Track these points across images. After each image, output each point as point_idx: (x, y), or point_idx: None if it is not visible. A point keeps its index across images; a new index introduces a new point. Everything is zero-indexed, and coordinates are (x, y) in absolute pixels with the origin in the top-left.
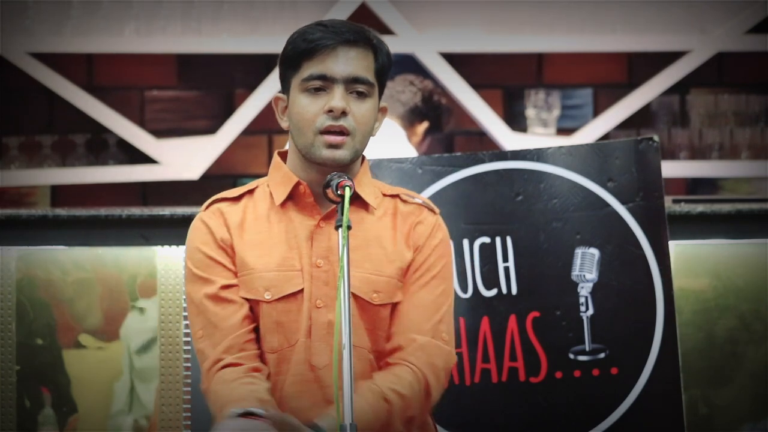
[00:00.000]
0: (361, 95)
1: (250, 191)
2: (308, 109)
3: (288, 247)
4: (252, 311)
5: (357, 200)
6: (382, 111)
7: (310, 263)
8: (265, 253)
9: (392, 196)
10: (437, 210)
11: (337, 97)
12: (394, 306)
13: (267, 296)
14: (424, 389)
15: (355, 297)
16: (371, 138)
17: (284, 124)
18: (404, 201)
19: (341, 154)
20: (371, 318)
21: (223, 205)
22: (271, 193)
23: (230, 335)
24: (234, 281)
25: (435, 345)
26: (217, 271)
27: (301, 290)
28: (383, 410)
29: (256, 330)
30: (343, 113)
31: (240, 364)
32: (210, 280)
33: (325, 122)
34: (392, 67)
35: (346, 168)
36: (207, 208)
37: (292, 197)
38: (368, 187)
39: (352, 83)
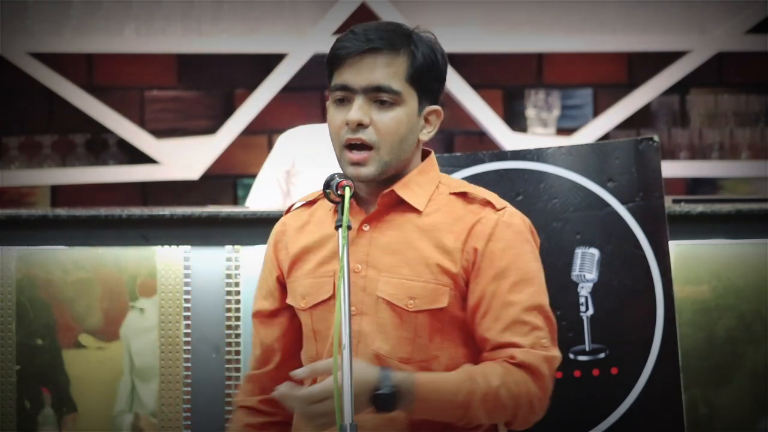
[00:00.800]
0: (385, 104)
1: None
2: (333, 122)
3: (329, 251)
4: (294, 324)
5: (403, 202)
6: (435, 114)
7: (347, 275)
8: (308, 258)
9: (459, 194)
10: (500, 205)
11: (354, 109)
12: (435, 312)
13: (302, 304)
14: (525, 396)
15: (390, 305)
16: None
17: None
18: (469, 200)
19: (365, 171)
20: (410, 326)
21: (291, 215)
22: None
23: (254, 370)
24: (272, 307)
25: (527, 354)
26: (261, 293)
27: (331, 297)
28: (465, 388)
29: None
30: (361, 125)
31: (262, 412)
32: (256, 297)
33: (345, 135)
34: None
35: (384, 176)
36: (286, 213)
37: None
38: (421, 187)
39: (373, 92)
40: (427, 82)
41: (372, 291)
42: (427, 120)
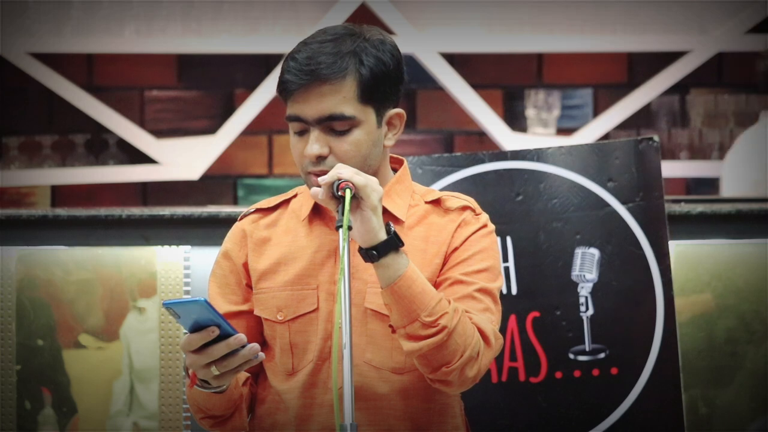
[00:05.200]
0: (340, 132)
1: (287, 201)
2: (295, 150)
3: (308, 263)
4: (266, 330)
5: (386, 213)
6: (398, 116)
7: (330, 280)
8: (282, 270)
9: (433, 202)
10: (478, 210)
11: (310, 142)
12: None
13: (279, 317)
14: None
15: (379, 316)
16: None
17: None
18: (446, 210)
19: None
20: None
21: (247, 222)
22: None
23: None
24: (247, 308)
25: (480, 318)
26: (231, 298)
27: (315, 310)
28: (441, 295)
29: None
30: (320, 157)
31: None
32: (218, 304)
33: (308, 167)
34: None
35: None
36: (240, 219)
37: (319, 210)
38: (400, 197)
39: (327, 122)
40: (381, 92)
41: (359, 302)
42: (390, 124)
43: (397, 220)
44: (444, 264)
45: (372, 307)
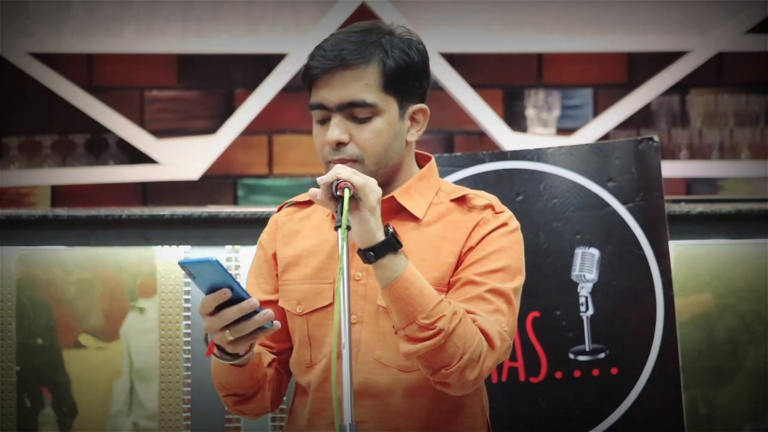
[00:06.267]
0: (362, 119)
1: None
2: (317, 140)
3: (327, 257)
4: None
5: (403, 210)
6: (422, 112)
7: (347, 275)
8: (303, 262)
9: (458, 199)
10: (499, 208)
11: (331, 128)
12: None
13: (298, 309)
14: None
15: (388, 312)
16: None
17: None
18: (470, 207)
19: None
20: None
21: (282, 214)
22: None
23: None
24: (265, 297)
25: (485, 320)
26: (264, 288)
27: (330, 304)
28: (440, 296)
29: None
30: (340, 144)
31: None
32: (252, 292)
33: (328, 155)
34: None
35: (385, 180)
36: (278, 210)
37: None
38: (421, 194)
39: (348, 108)
40: (405, 84)
41: (372, 299)
42: (414, 119)
43: (414, 218)
44: (459, 263)
45: (384, 305)
